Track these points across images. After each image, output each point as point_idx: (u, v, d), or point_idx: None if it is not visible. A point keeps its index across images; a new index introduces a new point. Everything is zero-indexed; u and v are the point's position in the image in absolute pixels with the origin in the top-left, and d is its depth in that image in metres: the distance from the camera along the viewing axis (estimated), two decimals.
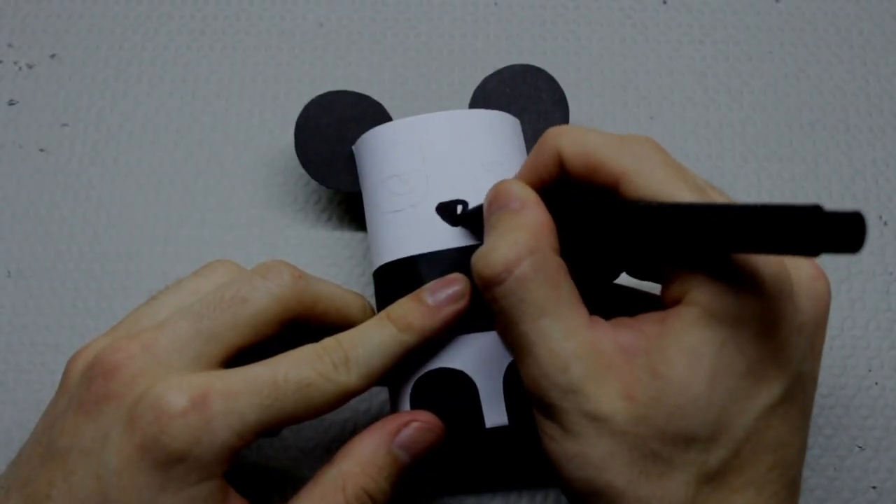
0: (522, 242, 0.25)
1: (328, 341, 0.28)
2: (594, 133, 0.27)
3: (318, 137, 0.36)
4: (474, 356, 0.30)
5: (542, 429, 0.26)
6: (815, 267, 0.26)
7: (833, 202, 0.38)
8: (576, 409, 0.25)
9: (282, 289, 0.28)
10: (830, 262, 0.38)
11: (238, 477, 0.28)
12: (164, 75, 0.40)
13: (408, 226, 0.31)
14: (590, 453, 0.25)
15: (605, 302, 0.28)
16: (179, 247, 0.38)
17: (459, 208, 0.31)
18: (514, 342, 0.26)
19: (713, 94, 0.40)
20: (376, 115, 0.36)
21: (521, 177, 0.29)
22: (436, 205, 0.31)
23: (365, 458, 0.28)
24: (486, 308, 0.28)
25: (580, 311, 0.25)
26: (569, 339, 0.25)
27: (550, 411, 0.25)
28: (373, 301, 0.32)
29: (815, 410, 0.36)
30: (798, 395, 0.25)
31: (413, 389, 0.30)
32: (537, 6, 0.41)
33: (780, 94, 0.40)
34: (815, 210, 0.19)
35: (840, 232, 0.19)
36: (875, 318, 0.37)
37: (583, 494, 0.25)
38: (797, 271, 0.26)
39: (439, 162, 0.32)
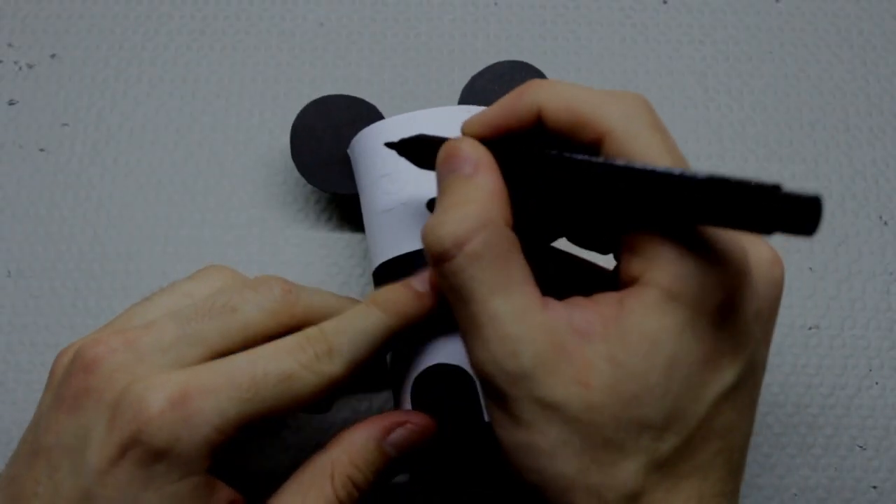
0: (473, 216, 0.24)
1: (311, 331, 0.28)
2: (579, 87, 0.25)
3: (314, 142, 0.36)
4: None
5: (492, 417, 0.25)
6: (772, 251, 0.25)
7: (833, 202, 0.38)
8: (526, 395, 0.24)
9: (272, 303, 0.28)
10: (830, 262, 0.38)
11: (236, 475, 0.28)
12: (164, 75, 0.40)
13: (401, 223, 0.32)
14: (540, 442, 0.24)
15: (554, 276, 0.27)
16: (179, 247, 0.38)
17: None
18: (463, 321, 0.25)
19: (713, 94, 0.40)
20: (371, 117, 0.36)
21: (485, 120, 0.27)
22: (426, 201, 0.31)
23: (355, 449, 0.28)
24: None
25: (532, 292, 0.24)
26: (519, 321, 0.24)
27: (499, 397, 0.24)
28: None
29: (815, 410, 0.36)
30: (749, 381, 0.25)
31: (413, 386, 0.30)
32: (537, 6, 0.41)
33: (780, 94, 0.40)
34: (774, 188, 0.19)
35: (796, 213, 0.19)
36: (875, 318, 0.37)
37: (533, 485, 0.25)
38: (755, 255, 0.25)
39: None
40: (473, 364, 0.25)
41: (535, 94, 0.26)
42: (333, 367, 0.27)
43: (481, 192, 0.25)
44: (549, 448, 0.24)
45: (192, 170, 0.39)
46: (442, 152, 0.26)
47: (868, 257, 0.38)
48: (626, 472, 0.24)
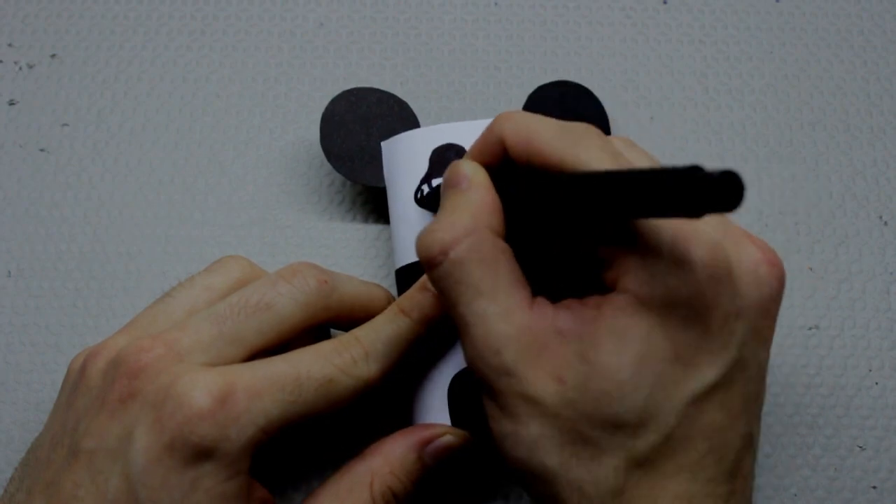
0: (460, 225, 0.26)
1: (346, 337, 0.29)
2: (537, 120, 0.27)
3: (344, 131, 0.36)
4: None
5: (486, 408, 0.27)
6: (761, 252, 0.26)
7: (833, 202, 0.38)
8: (510, 390, 0.25)
9: (307, 296, 0.29)
10: (830, 262, 0.38)
11: (260, 468, 0.28)
12: (164, 75, 0.40)
13: None
14: (523, 434, 0.25)
15: (559, 283, 0.28)
16: (179, 247, 0.38)
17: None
18: (455, 320, 0.26)
19: (713, 94, 0.40)
20: (402, 113, 0.36)
21: (473, 152, 0.29)
22: None
23: (395, 458, 0.29)
24: None
25: (519, 293, 0.26)
26: (504, 321, 0.25)
27: (489, 391, 0.26)
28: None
29: (815, 410, 0.36)
30: (737, 380, 0.25)
31: (449, 389, 0.31)
32: (537, 6, 0.41)
33: (780, 94, 0.40)
34: (692, 170, 0.20)
35: (717, 191, 0.19)
36: (875, 318, 0.37)
37: (521, 474, 0.26)
38: (739, 256, 0.25)
39: None
40: (466, 361, 0.26)
41: (500, 127, 0.27)
42: (369, 370, 0.28)
43: (471, 204, 0.26)
44: (531, 440, 0.25)
45: (192, 170, 0.39)
46: (446, 172, 0.28)
47: (868, 257, 0.38)
48: (606, 468, 0.24)
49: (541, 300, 0.26)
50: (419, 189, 0.33)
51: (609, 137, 0.27)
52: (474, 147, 0.29)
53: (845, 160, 0.39)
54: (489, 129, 0.28)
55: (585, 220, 0.26)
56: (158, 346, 0.27)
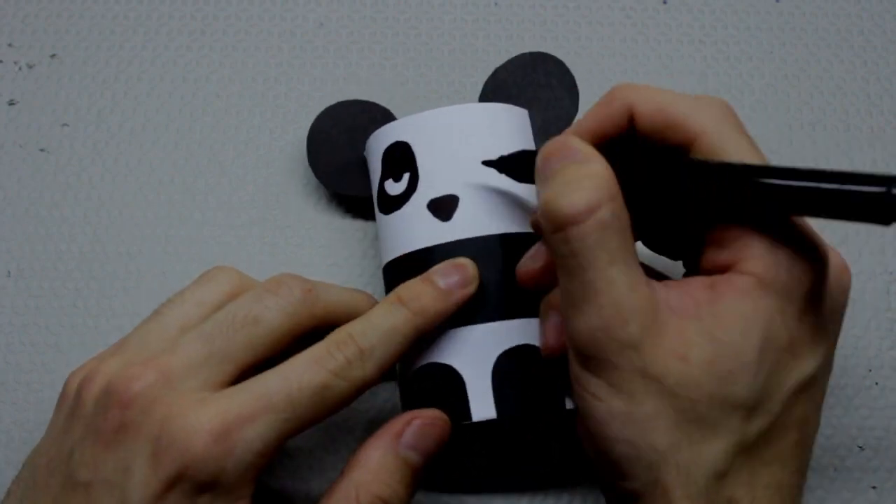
0: (604, 188, 0.25)
1: (338, 335, 0.28)
2: (668, 92, 0.27)
3: (329, 146, 0.36)
4: (462, 350, 0.30)
5: (586, 387, 0.25)
6: (842, 259, 0.27)
7: None
8: (629, 365, 0.24)
9: (293, 305, 0.28)
10: None
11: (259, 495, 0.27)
12: (164, 75, 0.40)
13: (405, 223, 0.32)
14: (636, 412, 0.24)
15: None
16: (179, 247, 0.38)
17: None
18: (576, 289, 0.25)
19: (713, 94, 0.40)
20: (385, 121, 0.36)
21: (582, 128, 0.28)
22: (427, 201, 0.31)
23: (374, 464, 0.28)
24: (474, 301, 0.29)
25: (640, 268, 0.25)
26: (633, 291, 0.24)
27: (600, 366, 0.25)
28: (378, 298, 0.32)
29: None
30: (822, 377, 0.26)
31: (402, 387, 0.30)
32: (537, 6, 0.41)
33: (780, 94, 0.40)
34: (889, 178, 0.20)
35: None
36: (875, 318, 0.37)
37: (624, 457, 0.25)
38: (831, 260, 0.26)
39: (432, 159, 0.32)
40: (579, 331, 0.25)
41: (625, 97, 0.27)
42: (365, 371, 0.27)
43: (604, 170, 0.25)
44: (644, 419, 0.24)
45: (192, 170, 0.39)
46: (549, 147, 0.27)
47: (868, 257, 0.38)
48: (716, 450, 0.24)
49: (650, 278, 0.26)
50: (379, 191, 0.33)
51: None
52: (589, 117, 0.28)
53: (845, 160, 0.39)
54: (608, 99, 0.27)
55: (728, 206, 0.25)
56: (149, 373, 0.26)
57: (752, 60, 0.41)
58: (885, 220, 0.21)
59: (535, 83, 0.37)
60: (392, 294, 0.29)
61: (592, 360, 0.25)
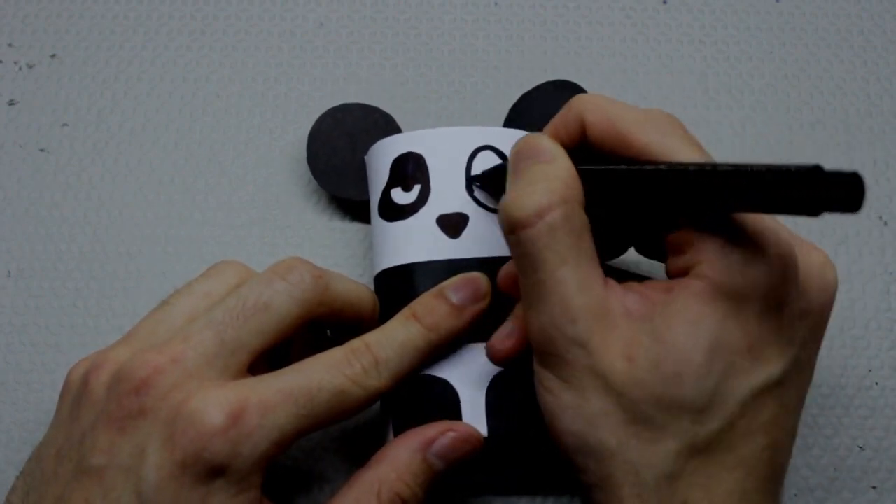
0: (556, 191, 0.26)
1: (356, 344, 0.28)
2: (618, 104, 0.27)
3: (329, 149, 0.36)
4: (459, 366, 0.30)
5: (541, 381, 0.26)
6: (823, 256, 0.27)
7: None
8: (578, 362, 0.25)
9: (304, 292, 0.28)
10: None
11: (269, 484, 0.28)
12: (164, 75, 0.40)
13: (410, 234, 0.32)
14: (585, 407, 0.25)
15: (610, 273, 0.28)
16: (179, 247, 0.38)
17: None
18: (529, 289, 0.26)
19: (713, 94, 0.40)
20: (386, 125, 0.37)
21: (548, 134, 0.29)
22: (436, 216, 0.32)
23: (401, 463, 0.28)
24: (482, 319, 0.29)
25: (597, 269, 0.26)
26: (583, 292, 0.25)
27: (552, 362, 0.26)
28: None
29: (815, 410, 0.36)
30: (795, 379, 0.26)
31: (396, 396, 0.30)
32: (537, 6, 0.41)
33: (780, 94, 0.40)
34: (815, 170, 0.20)
35: (839, 191, 0.20)
36: (875, 318, 0.37)
37: (575, 449, 0.26)
38: (806, 258, 0.26)
39: (447, 175, 0.32)
40: (532, 330, 0.26)
41: (579, 108, 0.27)
42: (380, 381, 0.28)
43: (563, 173, 0.26)
44: (593, 414, 0.25)
45: (192, 170, 0.39)
46: (519, 144, 0.28)
47: (868, 257, 0.38)
48: (664, 451, 0.24)
49: (610, 280, 0.26)
50: (383, 197, 0.33)
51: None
52: (549, 127, 0.29)
53: (845, 160, 0.39)
54: (567, 110, 0.28)
55: (671, 209, 0.26)
56: (164, 359, 0.27)
57: (752, 60, 0.41)
58: (813, 212, 0.20)
59: (556, 111, 0.37)
60: (407, 309, 0.30)
61: (546, 355, 0.26)
